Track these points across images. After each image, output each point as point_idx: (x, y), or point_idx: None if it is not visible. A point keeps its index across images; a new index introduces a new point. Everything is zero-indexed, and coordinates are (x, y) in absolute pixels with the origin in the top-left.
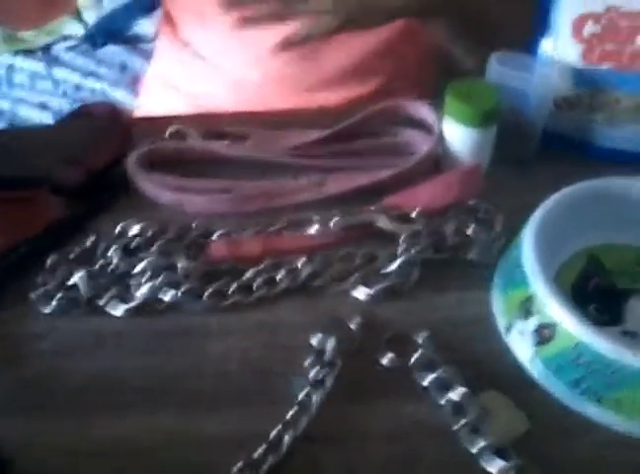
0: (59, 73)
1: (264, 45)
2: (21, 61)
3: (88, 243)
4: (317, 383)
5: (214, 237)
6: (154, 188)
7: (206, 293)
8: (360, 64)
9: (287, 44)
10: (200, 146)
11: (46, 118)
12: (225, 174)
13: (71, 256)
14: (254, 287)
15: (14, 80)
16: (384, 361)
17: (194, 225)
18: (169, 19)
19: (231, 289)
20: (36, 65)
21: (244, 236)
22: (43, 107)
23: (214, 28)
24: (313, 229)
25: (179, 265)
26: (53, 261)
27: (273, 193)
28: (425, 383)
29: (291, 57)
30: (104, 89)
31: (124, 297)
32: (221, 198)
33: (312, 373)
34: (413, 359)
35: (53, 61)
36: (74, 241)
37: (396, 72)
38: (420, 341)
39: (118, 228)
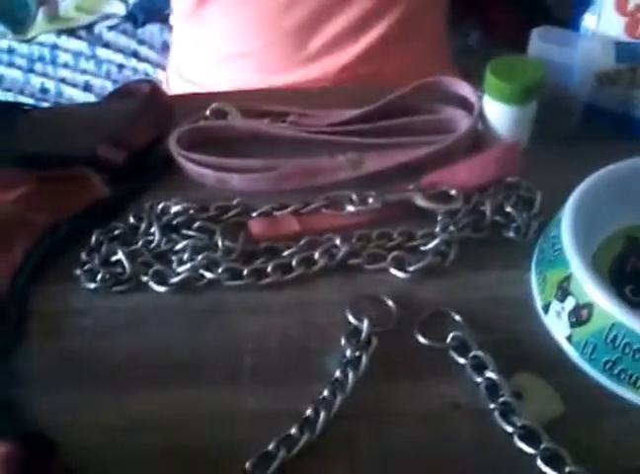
0: (102, 53)
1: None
2: (65, 41)
3: (130, 221)
4: (353, 361)
5: (254, 215)
6: (195, 167)
7: (246, 271)
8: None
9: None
10: (241, 125)
11: (90, 99)
12: (265, 152)
13: (114, 233)
14: (292, 266)
15: (58, 60)
16: (420, 340)
17: (234, 203)
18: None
19: (270, 268)
20: (79, 45)
21: (283, 215)
22: (87, 87)
23: None
24: (351, 208)
25: (219, 243)
26: (97, 238)
27: (311, 171)
28: (461, 362)
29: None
30: (146, 69)
31: (166, 274)
32: (261, 177)
33: (348, 352)
34: (449, 339)
35: (96, 41)
36: (117, 219)
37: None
38: (457, 320)
39: (159, 207)
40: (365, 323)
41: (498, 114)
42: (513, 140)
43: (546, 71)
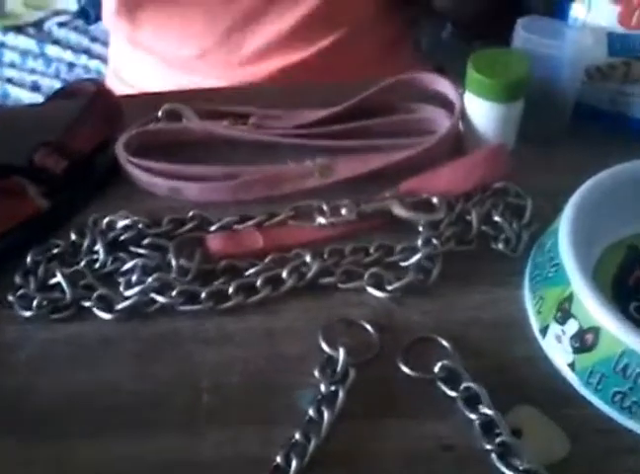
0: (52, 51)
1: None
2: (12, 38)
3: (72, 238)
4: (328, 397)
5: (212, 230)
6: (145, 175)
7: (203, 294)
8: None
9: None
10: (197, 127)
11: (38, 99)
12: (224, 158)
13: (53, 252)
14: (256, 287)
15: (3, 58)
16: (404, 370)
17: (189, 216)
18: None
19: (231, 290)
20: (27, 42)
21: (245, 229)
22: (35, 87)
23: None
24: (321, 219)
25: (172, 262)
26: (33, 258)
27: (276, 178)
28: (451, 395)
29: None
30: (98, 67)
31: (112, 299)
32: (219, 186)
33: (322, 386)
34: (436, 368)
35: (46, 38)
36: (56, 236)
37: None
38: (444, 346)
39: (104, 221)
40: (341, 352)
41: (481, 112)
42: (498, 141)
43: (532, 65)
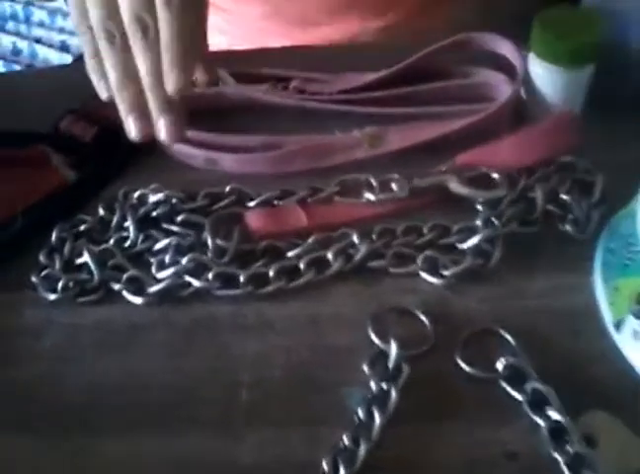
0: None
1: None
2: None
3: (100, 213)
4: (379, 397)
5: (251, 206)
6: (180, 144)
7: (242, 278)
8: None
9: None
10: (234, 92)
11: (66, 60)
12: (264, 127)
13: (80, 229)
14: (299, 270)
15: (32, 17)
16: (463, 367)
17: (226, 190)
18: None
19: (271, 273)
20: (55, 1)
21: (286, 205)
22: (64, 47)
23: None
24: (370, 195)
25: (209, 241)
26: (59, 235)
27: (321, 149)
28: (516, 398)
29: None
30: None
31: (144, 281)
32: (259, 158)
33: (373, 383)
34: (499, 366)
35: None
36: (83, 211)
37: None
38: (507, 340)
39: (136, 195)
40: (393, 346)
41: (548, 77)
42: (566, 110)
43: (606, 24)
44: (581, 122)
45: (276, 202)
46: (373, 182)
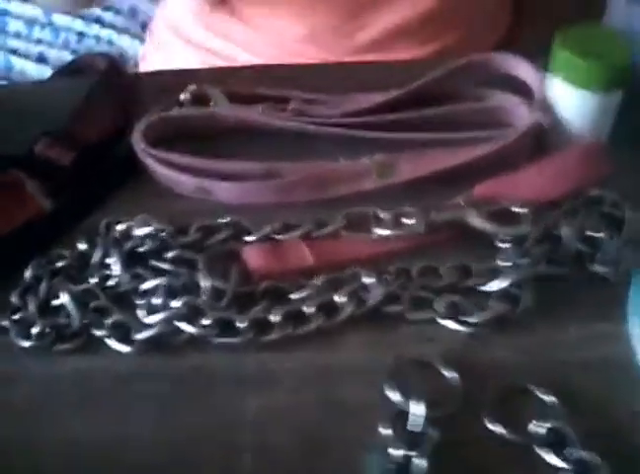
0: (60, 20)
1: None
2: (16, 6)
3: (80, 248)
4: (402, 468)
5: (249, 240)
6: (168, 170)
7: (242, 324)
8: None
9: None
10: (229, 113)
11: (44, 72)
12: (263, 152)
13: (57, 266)
14: (306, 315)
15: (8, 28)
16: (493, 430)
17: (222, 222)
18: None
19: (275, 318)
20: (33, 11)
21: (289, 240)
22: (41, 58)
23: None
24: (382, 230)
25: (203, 282)
26: (33, 273)
27: (325, 178)
28: (558, 466)
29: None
30: (110, 36)
31: (130, 327)
32: (257, 187)
33: (394, 448)
34: (535, 428)
35: None
36: (61, 245)
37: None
38: (542, 398)
39: (120, 227)
40: (417, 406)
41: (572, 102)
42: (593, 138)
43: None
44: (609, 151)
45: (277, 237)
46: (384, 215)
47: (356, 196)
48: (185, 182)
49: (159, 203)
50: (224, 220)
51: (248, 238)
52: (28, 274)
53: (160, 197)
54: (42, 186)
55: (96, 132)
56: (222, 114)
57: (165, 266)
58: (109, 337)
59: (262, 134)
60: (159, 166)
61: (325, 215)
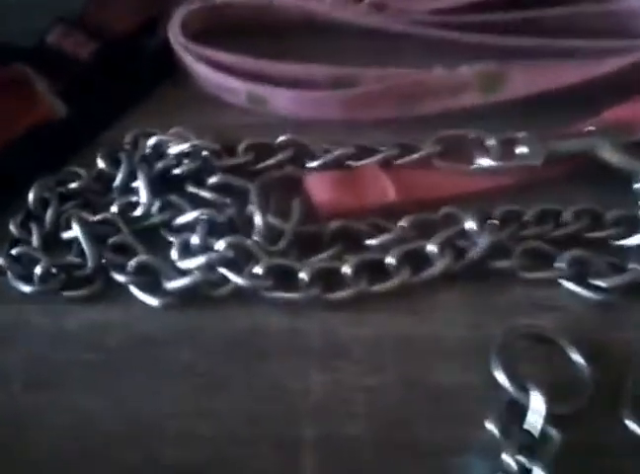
0: None
1: None
2: None
3: (99, 166)
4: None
5: (314, 166)
6: (212, 72)
7: (304, 274)
8: None
9: None
10: (291, 4)
11: None
12: (333, 54)
13: (70, 187)
14: (386, 267)
15: None
16: (635, 431)
17: (279, 142)
18: None
19: (347, 270)
20: None
21: (365, 168)
22: None
23: None
24: (485, 160)
25: (257, 218)
26: (39, 195)
27: (414, 90)
28: None
29: None
30: None
31: (161, 272)
32: (326, 97)
33: (504, 454)
34: None
35: None
36: (75, 161)
37: None
38: None
39: (150, 142)
40: (536, 398)
41: None
42: None
43: None
44: None
45: (349, 163)
46: (489, 141)
47: (452, 114)
48: (234, 87)
49: (200, 114)
50: (283, 138)
51: (312, 163)
52: (31, 196)
53: (201, 105)
54: (55, 84)
55: (122, 21)
56: (282, 4)
57: (206, 194)
58: (132, 284)
59: (331, 32)
60: (201, 66)
61: (412, 138)
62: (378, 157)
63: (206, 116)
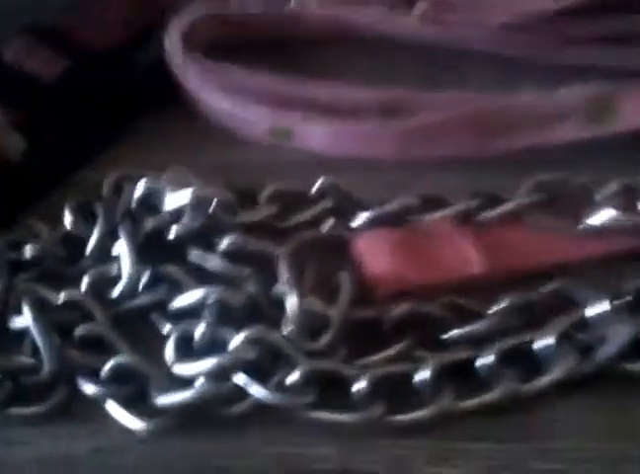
0: None
1: None
2: None
3: (66, 222)
4: None
5: (363, 223)
6: (224, 98)
7: (359, 385)
8: None
9: None
10: (324, 14)
11: None
12: (377, 74)
13: (24, 252)
14: (478, 372)
15: None
16: None
17: (316, 189)
18: None
19: (420, 377)
20: None
21: (436, 226)
22: None
23: None
24: (603, 214)
25: (288, 300)
26: None
27: (494, 119)
28: None
29: None
30: None
31: (149, 382)
32: (375, 129)
33: None
34: None
35: None
36: (34, 214)
37: None
38: None
39: (138, 189)
40: None
41: None
42: None
43: None
44: None
45: (411, 219)
46: (610, 188)
47: (549, 150)
48: (253, 117)
49: (206, 151)
50: (320, 184)
51: (360, 219)
52: None
53: (208, 139)
54: (11, 113)
55: (105, 31)
56: (313, 13)
57: (216, 263)
58: (108, 397)
59: (374, 47)
60: (209, 88)
61: (495, 184)
62: (452, 210)
63: (215, 153)
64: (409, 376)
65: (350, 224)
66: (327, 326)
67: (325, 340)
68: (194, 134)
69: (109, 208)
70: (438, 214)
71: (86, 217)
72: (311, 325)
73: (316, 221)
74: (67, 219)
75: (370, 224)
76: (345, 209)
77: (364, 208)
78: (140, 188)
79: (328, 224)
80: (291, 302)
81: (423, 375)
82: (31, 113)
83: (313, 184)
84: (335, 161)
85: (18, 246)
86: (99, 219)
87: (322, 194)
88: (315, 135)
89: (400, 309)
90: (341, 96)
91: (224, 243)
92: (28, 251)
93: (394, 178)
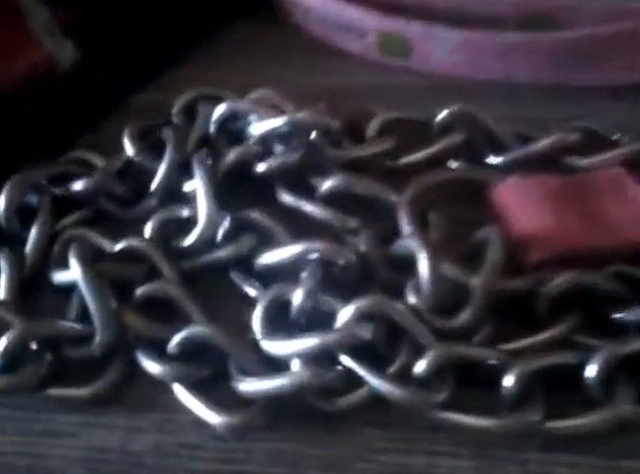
0: None
1: None
2: None
3: (126, 152)
4: None
5: (503, 162)
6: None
7: (508, 379)
8: None
9: None
10: None
11: None
12: None
13: (72, 188)
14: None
15: None
16: None
17: (441, 118)
18: None
19: (590, 371)
20: None
21: (601, 171)
22: None
23: None
24: None
25: (422, 262)
26: (15, 198)
27: None
28: None
29: None
30: None
31: (231, 362)
32: (516, 43)
33: None
34: None
35: None
36: (86, 141)
37: None
38: None
39: (217, 113)
40: None
41: None
42: None
43: None
44: None
45: (568, 163)
46: None
47: None
48: (360, 23)
49: (303, 68)
50: (449, 111)
51: (499, 157)
52: (2, 202)
53: (305, 54)
54: (64, 17)
55: None
56: None
57: (316, 209)
58: (176, 379)
59: None
60: None
61: None
62: (620, 152)
63: (311, 73)
64: (575, 368)
65: (487, 166)
66: (467, 299)
67: (464, 317)
68: (284, 50)
69: (180, 135)
70: (606, 156)
71: (151, 146)
72: (447, 297)
73: (441, 161)
74: (127, 147)
75: (513, 166)
76: (479, 146)
77: (504, 146)
78: (221, 110)
79: (459, 165)
80: (423, 265)
81: (592, 370)
82: (85, 15)
83: (437, 112)
84: (464, 84)
85: (65, 180)
86: (167, 148)
87: (451, 124)
88: (440, 50)
89: (560, 280)
90: (469, 4)
91: (327, 184)
92: (77, 186)
93: (544, 108)
